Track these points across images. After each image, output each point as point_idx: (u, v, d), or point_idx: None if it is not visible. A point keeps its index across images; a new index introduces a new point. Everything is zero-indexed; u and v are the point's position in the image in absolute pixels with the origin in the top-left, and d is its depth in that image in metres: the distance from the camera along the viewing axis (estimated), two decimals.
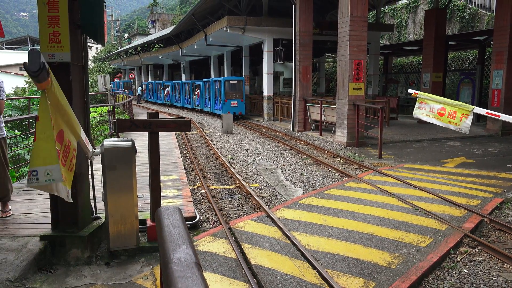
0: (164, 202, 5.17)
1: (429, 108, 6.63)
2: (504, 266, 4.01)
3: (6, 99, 12.00)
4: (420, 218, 5.12)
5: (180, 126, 4.21)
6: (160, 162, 4.28)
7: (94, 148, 3.93)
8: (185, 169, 8.06)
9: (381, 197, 6.08)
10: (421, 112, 6.76)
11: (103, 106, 14.18)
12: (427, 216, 5.19)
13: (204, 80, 22.83)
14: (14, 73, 42.60)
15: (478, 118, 15.31)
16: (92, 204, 4.35)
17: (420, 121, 15.83)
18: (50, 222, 3.99)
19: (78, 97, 3.95)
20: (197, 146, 11.75)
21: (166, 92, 30.98)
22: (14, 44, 62.10)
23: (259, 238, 4.53)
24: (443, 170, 7.99)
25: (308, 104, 14.12)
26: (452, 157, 9.28)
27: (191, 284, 1.12)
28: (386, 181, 7.02)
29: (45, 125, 2.96)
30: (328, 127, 13.34)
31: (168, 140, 11.77)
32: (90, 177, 4.27)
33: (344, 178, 7.45)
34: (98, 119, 12.87)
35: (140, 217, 4.37)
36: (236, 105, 19.00)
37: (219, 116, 19.36)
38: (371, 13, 22.93)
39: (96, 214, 4.38)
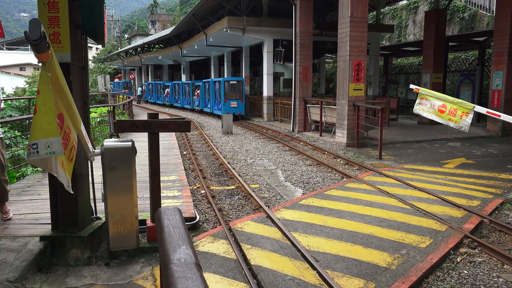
0: (164, 203, 5.17)
1: (430, 104, 6.61)
2: (504, 267, 4.01)
3: (6, 99, 12.01)
4: (420, 219, 5.11)
5: (180, 126, 4.21)
6: (160, 162, 4.28)
7: (94, 149, 3.93)
8: (185, 169, 8.06)
9: (381, 197, 6.08)
10: (421, 108, 6.74)
11: (103, 107, 14.19)
12: (427, 217, 5.19)
13: (204, 80, 22.83)
14: (14, 74, 42.67)
15: (478, 119, 15.31)
16: (92, 204, 4.35)
17: (420, 122, 15.86)
18: (50, 222, 4.00)
19: (78, 98, 3.95)
20: (197, 147, 11.75)
21: (166, 92, 30.99)
22: (14, 44, 62.09)
23: (259, 239, 4.53)
24: (443, 171, 7.99)
25: (308, 105, 14.12)
26: (452, 158, 9.28)
27: (191, 285, 1.12)
28: (386, 182, 7.02)
29: (46, 98, 2.89)
30: (328, 127, 13.34)
31: (168, 140, 11.76)
32: (90, 178, 4.28)
33: (344, 179, 7.45)
34: (98, 120, 12.88)
35: (140, 218, 4.37)
36: (236, 105, 19.01)
37: (219, 117, 19.36)
38: (371, 14, 22.94)
39: (96, 214, 4.38)
